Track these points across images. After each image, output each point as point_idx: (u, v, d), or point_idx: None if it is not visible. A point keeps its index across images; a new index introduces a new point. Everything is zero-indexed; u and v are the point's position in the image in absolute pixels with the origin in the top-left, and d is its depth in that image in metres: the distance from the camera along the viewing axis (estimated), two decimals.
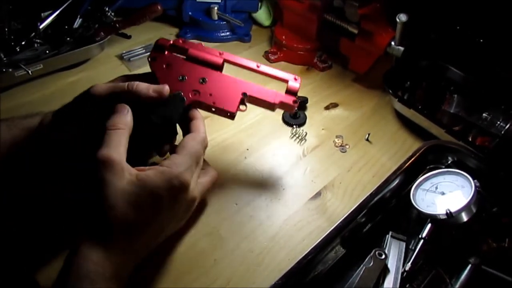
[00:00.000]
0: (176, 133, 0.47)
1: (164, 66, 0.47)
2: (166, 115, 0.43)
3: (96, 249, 0.33)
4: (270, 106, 0.49)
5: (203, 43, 0.50)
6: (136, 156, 0.39)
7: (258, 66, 0.51)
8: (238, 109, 0.47)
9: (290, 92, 0.49)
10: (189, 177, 0.38)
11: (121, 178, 0.35)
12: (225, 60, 0.50)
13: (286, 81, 0.50)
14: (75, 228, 0.36)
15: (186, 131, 0.45)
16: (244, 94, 0.47)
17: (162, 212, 0.37)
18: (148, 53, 0.52)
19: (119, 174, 0.35)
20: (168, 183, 0.36)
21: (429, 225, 0.47)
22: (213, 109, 0.47)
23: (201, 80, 0.47)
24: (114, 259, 0.34)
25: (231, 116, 0.47)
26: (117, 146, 0.36)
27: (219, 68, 0.49)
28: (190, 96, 0.46)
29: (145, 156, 0.50)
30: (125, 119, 0.39)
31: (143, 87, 0.42)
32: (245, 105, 0.48)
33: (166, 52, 0.48)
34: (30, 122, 0.43)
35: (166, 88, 0.43)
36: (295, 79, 0.50)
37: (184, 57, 0.49)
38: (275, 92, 0.49)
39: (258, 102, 0.49)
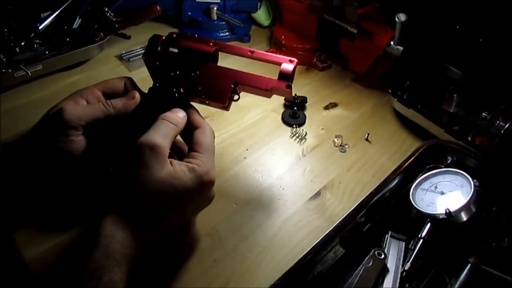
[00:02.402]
0: None
1: (157, 62, 0.47)
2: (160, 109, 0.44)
3: (123, 229, 0.35)
4: (264, 92, 0.46)
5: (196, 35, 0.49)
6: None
7: (251, 52, 0.48)
8: (230, 100, 0.46)
9: (282, 76, 0.45)
10: (214, 174, 0.41)
11: (162, 167, 0.37)
12: (218, 49, 0.48)
13: (280, 64, 0.47)
14: (101, 206, 0.37)
15: (186, 127, 0.45)
16: (235, 83, 0.46)
17: (191, 204, 0.40)
18: None
19: (161, 163, 0.37)
20: (199, 180, 0.39)
21: (428, 225, 0.47)
22: (206, 102, 0.47)
23: (193, 74, 0.46)
24: (137, 242, 0.36)
25: (224, 108, 0.47)
26: (166, 136, 0.39)
27: (211, 57, 0.47)
28: (182, 91, 0.46)
29: None
30: (178, 118, 0.42)
31: (116, 103, 0.44)
32: (238, 95, 0.47)
33: (159, 48, 0.48)
34: None
35: (134, 94, 0.45)
36: (290, 61, 0.46)
37: (176, 50, 0.48)
38: (268, 78, 0.46)
39: (251, 90, 0.47)
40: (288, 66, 0.45)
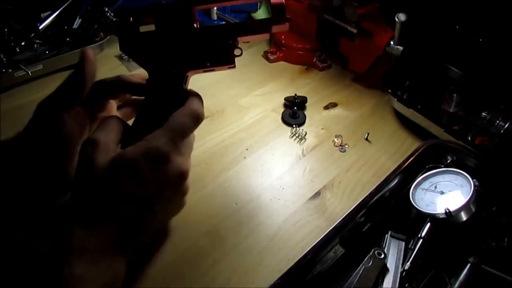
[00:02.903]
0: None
1: (139, 49, 0.42)
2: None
3: (79, 225, 0.33)
4: (264, 35, 0.44)
5: None
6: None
7: None
8: (234, 58, 0.43)
9: (277, 9, 0.42)
10: (167, 149, 0.36)
11: (106, 156, 0.35)
12: (194, 4, 0.43)
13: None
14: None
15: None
16: (233, 41, 0.42)
17: (144, 184, 0.36)
18: None
19: (104, 152, 0.35)
20: (145, 155, 0.35)
21: (428, 225, 0.47)
22: (211, 69, 0.43)
23: (188, 42, 0.42)
24: (98, 235, 0.34)
25: (232, 67, 0.43)
26: (105, 131, 0.37)
27: (191, 17, 0.43)
28: (183, 70, 0.42)
29: None
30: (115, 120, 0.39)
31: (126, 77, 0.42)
32: (240, 49, 0.43)
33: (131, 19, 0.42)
34: None
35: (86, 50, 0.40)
36: None
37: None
38: (263, 20, 0.44)
39: (251, 38, 0.44)
40: None
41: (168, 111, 0.39)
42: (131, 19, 0.42)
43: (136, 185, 0.35)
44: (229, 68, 0.43)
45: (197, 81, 0.46)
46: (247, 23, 0.43)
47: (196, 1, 0.43)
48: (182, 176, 0.38)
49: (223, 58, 0.42)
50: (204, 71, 0.43)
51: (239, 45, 0.43)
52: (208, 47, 0.42)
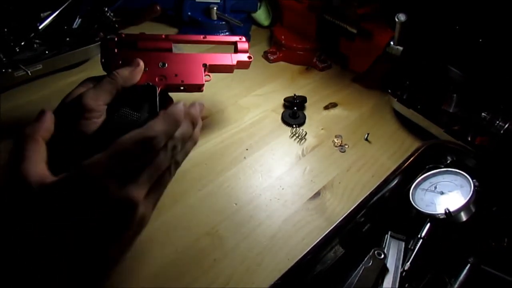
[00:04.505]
0: None
1: (120, 62, 0.48)
2: (150, 108, 0.43)
3: None
4: (229, 68, 0.56)
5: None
6: None
7: (204, 37, 0.56)
8: (205, 80, 0.52)
9: (242, 51, 0.57)
10: (107, 179, 0.31)
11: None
12: (173, 41, 0.53)
13: (233, 43, 0.57)
14: None
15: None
16: (204, 65, 0.52)
17: (80, 214, 0.31)
18: None
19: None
20: (80, 183, 0.31)
21: (428, 225, 0.47)
22: (182, 88, 0.50)
23: (161, 65, 0.49)
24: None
25: (200, 88, 0.52)
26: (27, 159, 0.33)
27: (169, 50, 0.52)
28: (157, 81, 0.48)
29: None
30: (42, 126, 0.36)
31: (122, 73, 0.44)
32: (209, 75, 0.53)
33: (116, 50, 0.49)
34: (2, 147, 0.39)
35: (139, 62, 0.47)
36: (240, 39, 0.58)
37: (134, 49, 0.50)
38: (229, 55, 0.56)
39: (218, 69, 0.55)
40: (243, 44, 0.57)
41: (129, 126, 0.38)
42: (116, 50, 0.49)
43: (71, 211, 0.31)
44: (198, 88, 0.52)
45: None
46: (218, 55, 0.55)
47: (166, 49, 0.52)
48: (125, 206, 0.32)
49: (195, 77, 0.51)
50: (174, 89, 0.51)
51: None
52: (183, 68, 0.51)
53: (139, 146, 0.33)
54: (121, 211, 0.32)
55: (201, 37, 0.56)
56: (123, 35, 0.51)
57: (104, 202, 0.31)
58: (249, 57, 0.57)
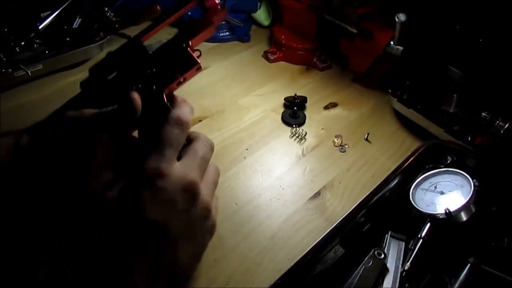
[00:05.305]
0: None
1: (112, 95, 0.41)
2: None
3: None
4: (211, 30, 0.47)
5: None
6: None
7: (164, 18, 0.46)
8: (196, 58, 0.44)
9: (211, 6, 0.47)
10: (161, 163, 0.33)
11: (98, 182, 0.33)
12: (143, 39, 0.45)
13: (197, 2, 0.48)
14: None
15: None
16: (186, 44, 0.45)
17: (151, 211, 0.33)
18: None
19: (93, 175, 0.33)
20: (141, 180, 0.33)
21: (428, 225, 0.47)
22: (183, 79, 0.44)
23: (148, 71, 0.43)
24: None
25: (199, 70, 0.45)
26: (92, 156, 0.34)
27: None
28: (155, 89, 0.42)
29: None
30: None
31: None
32: (199, 51, 0.46)
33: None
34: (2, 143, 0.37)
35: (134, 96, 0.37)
36: None
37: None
38: (203, 17, 0.47)
39: (201, 37, 0.47)
40: None
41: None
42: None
43: (146, 212, 0.32)
44: (197, 70, 0.44)
45: (197, 82, 0.46)
46: (190, 25, 0.46)
47: (141, 34, 0.44)
48: (188, 186, 0.34)
49: (186, 63, 0.43)
50: (178, 85, 0.44)
51: (197, 48, 0.45)
52: (169, 61, 0.43)
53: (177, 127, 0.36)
54: (185, 189, 0.34)
55: (161, 19, 0.46)
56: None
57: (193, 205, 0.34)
58: (222, 5, 0.47)
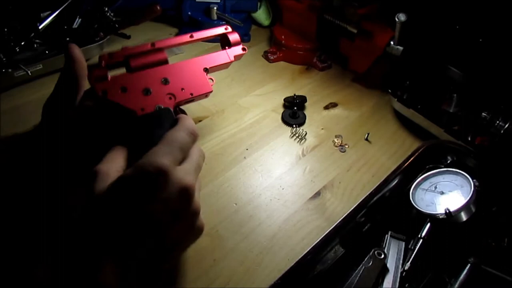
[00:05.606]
0: None
1: (119, 91, 0.42)
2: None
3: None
4: (227, 65, 0.54)
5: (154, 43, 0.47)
6: None
7: (191, 36, 0.52)
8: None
9: (235, 43, 0.55)
10: (165, 161, 0.34)
11: (104, 183, 0.34)
12: (164, 49, 0.48)
13: (222, 35, 0.55)
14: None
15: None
16: (205, 69, 0.50)
17: (144, 202, 0.34)
18: None
19: (102, 180, 0.34)
20: (141, 171, 0.33)
21: (428, 225, 0.47)
22: (192, 98, 0.47)
23: (163, 81, 0.45)
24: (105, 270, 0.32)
25: (208, 95, 0.49)
26: (106, 161, 0.37)
27: (166, 61, 0.47)
28: (167, 102, 0.44)
29: None
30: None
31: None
32: (212, 79, 0.50)
33: (109, 78, 0.43)
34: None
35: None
36: (226, 29, 0.55)
37: (129, 70, 0.45)
38: (225, 52, 0.54)
39: (218, 68, 0.53)
40: (233, 36, 0.55)
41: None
42: (109, 78, 0.44)
43: (136, 204, 0.33)
44: (206, 96, 0.49)
45: None
46: (215, 55, 0.52)
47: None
48: (184, 190, 0.35)
49: (200, 85, 0.48)
50: (186, 102, 0.47)
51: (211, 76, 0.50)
52: (186, 78, 0.47)
53: (187, 135, 0.38)
54: (180, 192, 0.35)
55: (188, 36, 0.51)
56: (107, 57, 0.44)
57: (167, 182, 0.34)
58: (243, 49, 0.55)
